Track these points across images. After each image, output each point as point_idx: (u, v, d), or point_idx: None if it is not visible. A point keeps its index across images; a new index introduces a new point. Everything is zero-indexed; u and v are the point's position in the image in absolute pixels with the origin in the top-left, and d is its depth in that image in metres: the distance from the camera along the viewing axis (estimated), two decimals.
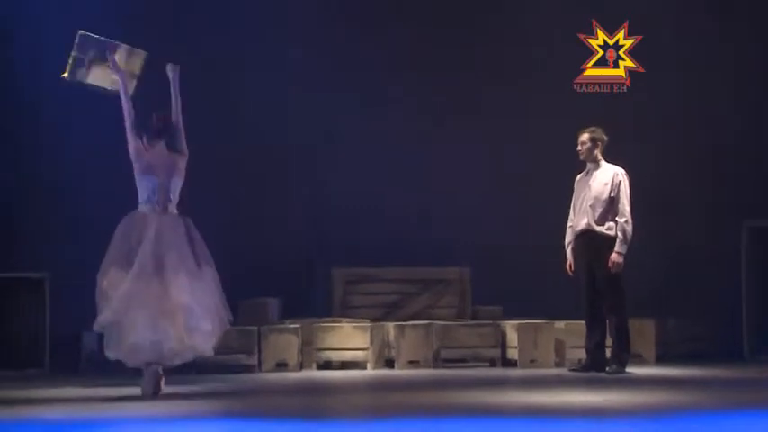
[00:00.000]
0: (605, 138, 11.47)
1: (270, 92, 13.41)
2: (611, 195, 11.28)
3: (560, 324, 12.26)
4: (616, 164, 11.44)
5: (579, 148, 11.46)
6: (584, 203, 11.35)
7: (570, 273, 11.42)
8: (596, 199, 11.31)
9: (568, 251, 11.43)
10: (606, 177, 11.33)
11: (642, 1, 13.64)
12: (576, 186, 11.54)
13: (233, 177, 13.28)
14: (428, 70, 13.63)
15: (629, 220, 11.23)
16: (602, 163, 11.43)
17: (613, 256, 11.13)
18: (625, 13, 13.46)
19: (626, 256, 11.20)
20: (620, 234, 11.19)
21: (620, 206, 11.25)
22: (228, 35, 13.39)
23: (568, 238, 11.46)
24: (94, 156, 12.58)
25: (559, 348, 12.19)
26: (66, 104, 12.62)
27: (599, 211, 11.29)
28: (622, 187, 11.29)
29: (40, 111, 13.02)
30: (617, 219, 11.24)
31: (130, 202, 11.88)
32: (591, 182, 11.38)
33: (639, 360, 12.21)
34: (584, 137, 11.45)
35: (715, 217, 13.34)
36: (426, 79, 13.59)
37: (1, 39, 13.17)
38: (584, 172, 11.51)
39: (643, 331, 12.35)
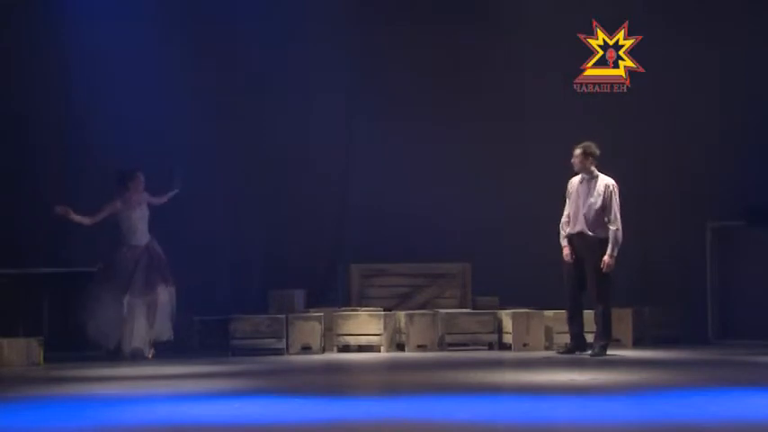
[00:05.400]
0: (597, 152, 11.19)
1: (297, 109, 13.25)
2: (603, 204, 11.15)
3: (549, 313, 12.16)
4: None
5: (573, 159, 11.30)
6: (580, 212, 11.20)
7: (570, 260, 11.20)
8: (590, 208, 11.17)
9: (565, 242, 11.24)
10: (599, 189, 11.17)
11: (642, 1, 13.05)
12: (570, 189, 11.33)
13: (263, 184, 13.20)
14: (429, 72, 13.22)
15: (620, 228, 11.08)
16: (596, 174, 11.25)
17: (606, 259, 10.98)
18: (625, 13, 12.71)
19: (617, 258, 11.05)
20: (611, 239, 11.04)
21: (612, 215, 11.09)
22: (251, 39, 13.05)
23: (564, 232, 11.27)
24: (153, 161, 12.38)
25: (548, 334, 12.11)
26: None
27: (591, 218, 11.16)
28: (614, 197, 11.13)
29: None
30: (609, 226, 11.07)
31: (187, 208, 11.88)
32: (586, 192, 11.22)
33: (618, 344, 12.12)
34: (577, 151, 11.23)
35: (683, 219, 13.20)
36: (427, 81, 13.19)
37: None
38: (579, 180, 11.31)
39: (622, 318, 12.27)
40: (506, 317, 12.26)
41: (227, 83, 13.10)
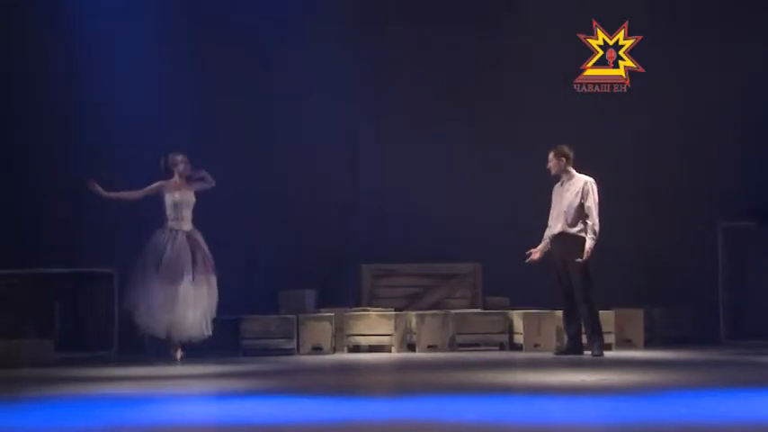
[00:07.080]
0: (570, 153, 11.29)
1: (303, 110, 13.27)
2: (581, 202, 11.20)
3: (560, 313, 12.14)
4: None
5: (548, 165, 11.35)
6: (560, 210, 11.31)
7: (530, 257, 11.36)
8: (569, 206, 11.27)
9: (543, 243, 11.39)
10: (577, 187, 11.28)
11: (642, 1, 13.06)
12: (553, 195, 11.46)
13: (275, 186, 13.21)
14: (430, 72, 13.21)
15: (597, 222, 11.12)
16: (574, 174, 11.34)
17: (586, 249, 11.04)
18: (625, 13, 12.71)
19: (594, 251, 11.05)
20: (590, 232, 11.10)
21: (588, 211, 11.17)
22: (252, 39, 13.05)
23: (546, 236, 11.42)
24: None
25: (560, 334, 12.09)
26: (136, 110, 12.58)
27: (571, 216, 11.25)
28: (591, 195, 11.21)
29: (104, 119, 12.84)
30: (587, 221, 11.15)
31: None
32: (564, 192, 11.32)
33: (629, 345, 12.12)
34: (550, 155, 11.35)
35: (695, 219, 13.17)
36: (429, 82, 13.19)
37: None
38: (560, 183, 11.42)
39: (632, 319, 12.26)
40: (517, 317, 12.26)
41: (231, 83, 13.10)
